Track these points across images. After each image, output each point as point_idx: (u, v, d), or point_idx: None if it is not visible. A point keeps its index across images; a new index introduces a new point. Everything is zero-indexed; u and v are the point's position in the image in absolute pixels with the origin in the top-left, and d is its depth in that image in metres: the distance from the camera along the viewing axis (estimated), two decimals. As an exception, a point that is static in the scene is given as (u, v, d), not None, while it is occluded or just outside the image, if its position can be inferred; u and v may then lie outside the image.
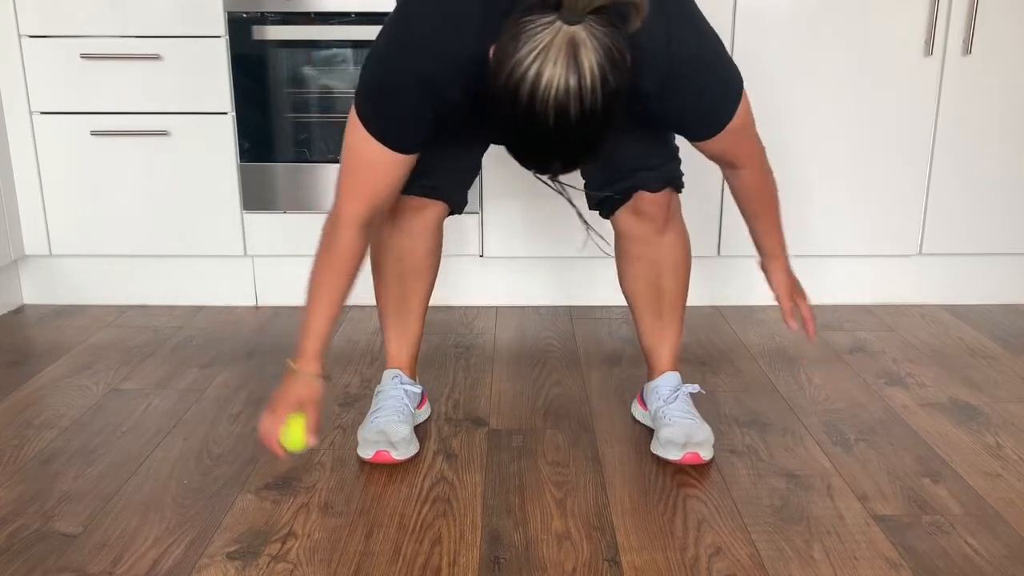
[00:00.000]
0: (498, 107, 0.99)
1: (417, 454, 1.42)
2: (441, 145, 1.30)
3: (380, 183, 1.21)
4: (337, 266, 1.23)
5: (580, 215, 1.26)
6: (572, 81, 0.94)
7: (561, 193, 1.18)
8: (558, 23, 0.94)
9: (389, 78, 1.14)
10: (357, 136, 1.18)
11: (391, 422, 1.39)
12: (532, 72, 0.94)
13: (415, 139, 1.19)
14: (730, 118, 1.21)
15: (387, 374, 1.49)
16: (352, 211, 1.21)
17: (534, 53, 0.94)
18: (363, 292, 1.73)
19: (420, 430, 1.51)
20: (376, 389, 1.49)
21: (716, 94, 1.20)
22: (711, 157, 1.29)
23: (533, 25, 0.94)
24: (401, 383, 1.47)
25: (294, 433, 1.20)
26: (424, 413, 1.55)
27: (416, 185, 1.36)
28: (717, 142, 1.24)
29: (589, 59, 0.94)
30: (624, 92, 0.99)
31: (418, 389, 1.50)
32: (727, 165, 1.30)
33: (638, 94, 1.14)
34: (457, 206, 1.45)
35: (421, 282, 1.47)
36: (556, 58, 0.93)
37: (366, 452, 1.38)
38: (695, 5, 1.19)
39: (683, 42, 1.14)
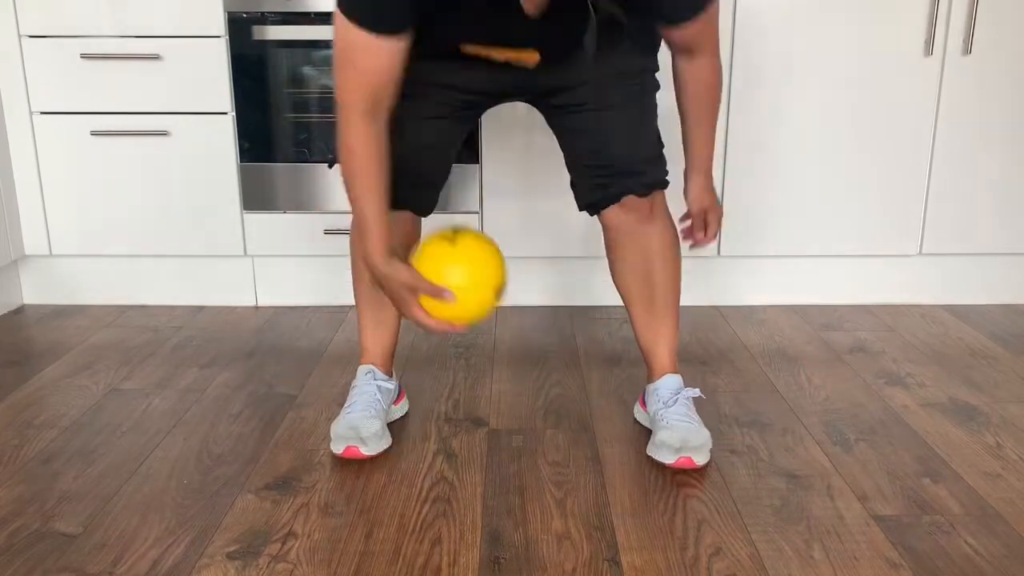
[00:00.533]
0: None
1: (416, 454, 1.42)
2: (409, 157, 1.33)
3: (371, 70, 1.18)
4: (361, 164, 1.22)
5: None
6: None
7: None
8: None
9: None
10: (342, 29, 1.17)
11: (362, 417, 1.41)
12: None
13: (396, 20, 1.16)
14: (710, 2, 1.23)
15: (361, 369, 1.50)
16: (351, 100, 1.20)
17: None
18: (363, 292, 1.73)
19: (420, 430, 1.51)
20: (351, 384, 1.50)
21: None
22: (677, 44, 1.30)
23: None
24: (375, 379, 1.48)
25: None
26: (400, 410, 1.55)
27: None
28: (692, 25, 1.24)
29: None
30: None
31: (391, 385, 1.50)
32: (688, 53, 1.30)
33: None
34: (423, 211, 1.45)
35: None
36: None
37: (337, 447, 1.39)
38: None
39: None
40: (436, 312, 1.20)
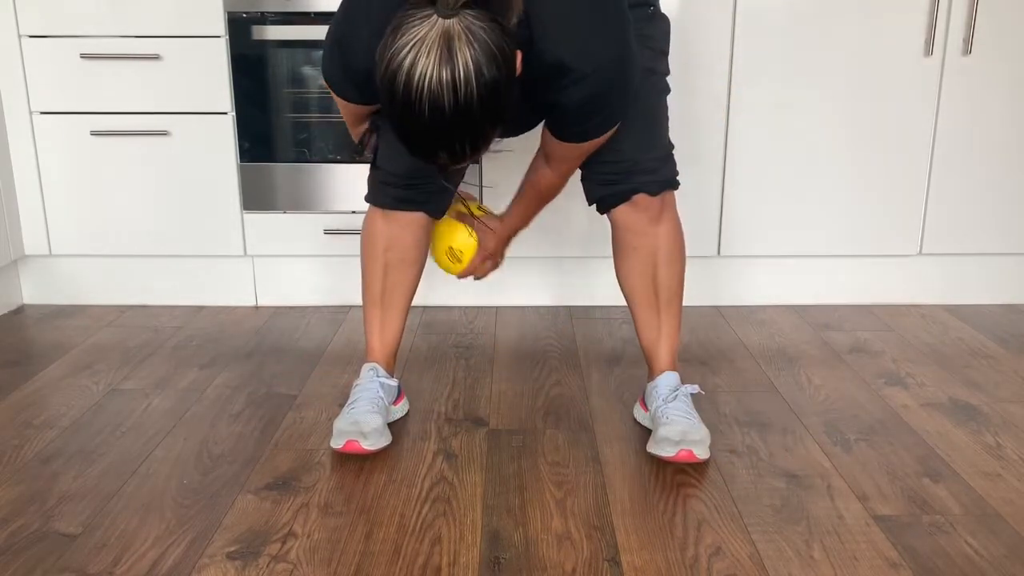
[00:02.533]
0: (382, 99, 1.03)
1: (416, 454, 1.42)
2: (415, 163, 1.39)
3: (365, 112, 1.37)
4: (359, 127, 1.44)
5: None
6: (445, 74, 0.97)
7: (446, 185, 1.32)
8: (434, 16, 0.97)
9: (332, 71, 1.29)
10: (334, 93, 1.33)
11: (364, 413, 1.42)
12: (407, 63, 0.98)
13: (360, 99, 1.31)
14: (596, 136, 1.29)
15: (365, 367, 1.51)
16: (355, 128, 1.42)
17: (409, 45, 0.98)
18: (363, 292, 1.73)
19: (420, 430, 1.51)
20: (354, 383, 1.50)
21: (607, 116, 1.26)
22: (547, 145, 1.36)
23: (412, 19, 0.98)
24: (377, 376, 1.49)
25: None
26: (401, 410, 1.56)
27: (392, 199, 1.44)
28: (567, 147, 1.32)
29: (464, 52, 0.97)
30: (506, 84, 1.02)
31: (394, 383, 1.51)
32: (546, 158, 1.39)
33: (549, 104, 1.23)
34: (437, 213, 1.49)
35: (405, 275, 1.50)
36: (430, 50, 0.97)
37: (338, 442, 1.39)
38: (624, 22, 1.20)
39: (593, 57, 1.18)
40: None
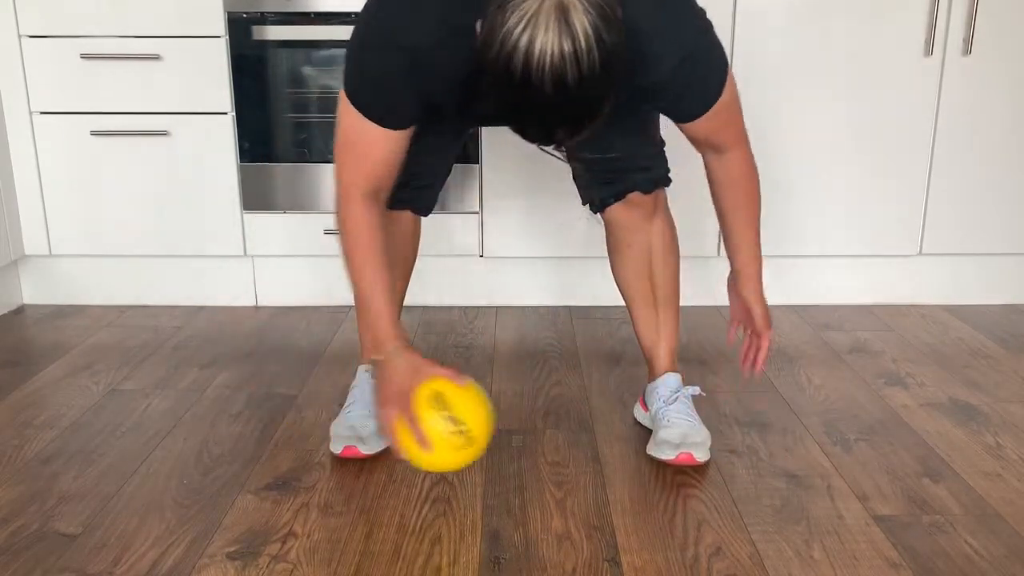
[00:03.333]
0: (493, 82, 0.95)
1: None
2: (410, 159, 1.30)
3: (377, 158, 1.19)
4: (364, 243, 1.19)
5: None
6: (567, 46, 0.90)
7: (566, 162, 1.17)
8: None
9: (371, 64, 1.13)
10: (349, 116, 1.17)
11: (360, 416, 1.41)
12: (524, 41, 0.90)
13: (406, 116, 1.17)
14: (719, 95, 1.18)
15: (360, 369, 1.50)
16: (353, 182, 1.20)
17: (523, 21, 0.90)
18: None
19: (420, 430, 1.51)
20: (351, 385, 1.50)
21: (709, 73, 1.18)
22: (698, 141, 1.25)
23: None
24: (372, 377, 1.47)
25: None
26: None
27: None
28: (706, 121, 1.20)
29: (581, 20, 0.91)
30: (623, 47, 0.96)
31: None
32: (713, 149, 1.26)
33: (644, 87, 1.14)
34: (423, 211, 1.47)
35: (394, 273, 1.47)
36: (547, 24, 0.90)
37: (336, 447, 1.39)
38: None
39: (684, 27, 1.13)
40: (404, 439, 1.10)
